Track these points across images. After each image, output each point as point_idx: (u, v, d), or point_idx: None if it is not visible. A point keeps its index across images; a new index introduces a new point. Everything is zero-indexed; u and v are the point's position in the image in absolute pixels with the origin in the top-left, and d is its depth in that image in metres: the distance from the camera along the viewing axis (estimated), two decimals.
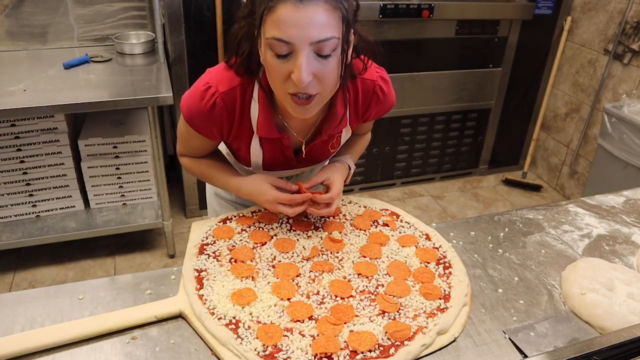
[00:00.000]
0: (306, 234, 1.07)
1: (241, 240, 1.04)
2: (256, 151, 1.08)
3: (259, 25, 0.86)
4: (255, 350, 0.80)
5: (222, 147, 1.20)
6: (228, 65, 1.00)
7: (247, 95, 1.00)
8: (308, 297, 0.91)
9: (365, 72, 1.04)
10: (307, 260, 1.00)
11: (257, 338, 0.82)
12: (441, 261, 1.02)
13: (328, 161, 1.22)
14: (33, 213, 2.27)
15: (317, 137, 1.08)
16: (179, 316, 0.89)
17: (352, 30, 0.90)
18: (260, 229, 1.08)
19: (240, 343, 0.81)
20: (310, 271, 0.97)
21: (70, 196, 2.30)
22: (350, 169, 1.18)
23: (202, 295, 0.90)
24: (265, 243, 1.04)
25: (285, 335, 0.83)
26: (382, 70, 1.10)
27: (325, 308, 0.89)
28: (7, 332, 0.85)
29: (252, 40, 0.93)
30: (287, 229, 1.09)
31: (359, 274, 0.97)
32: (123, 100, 1.88)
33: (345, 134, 1.14)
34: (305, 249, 1.03)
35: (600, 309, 0.92)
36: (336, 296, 0.91)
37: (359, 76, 1.03)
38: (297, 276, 0.96)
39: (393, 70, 2.76)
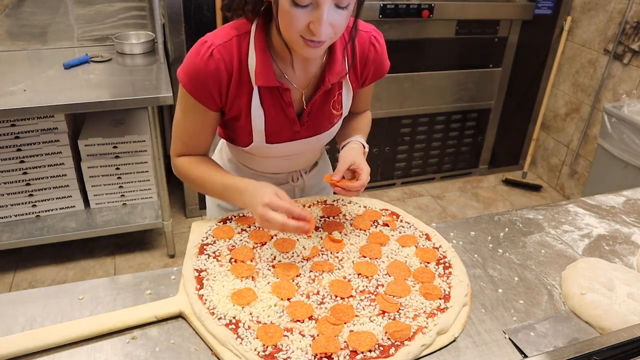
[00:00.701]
0: (306, 234, 1.07)
1: (241, 240, 1.04)
2: (257, 112, 1.03)
3: None
4: (255, 350, 0.80)
5: (216, 156, 1.18)
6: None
7: (243, 46, 0.99)
8: (308, 297, 0.91)
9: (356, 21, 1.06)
10: (307, 260, 1.00)
11: (257, 338, 0.82)
12: (441, 261, 1.02)
13: (340, 145, 1.19)
14: (33, 213, 2.27)
15: (318, 90, 1.06)
16: (179, 316, 0.89)
17: None
18: (260, 229, 1.08)
19: (240, 343, 0.81)
20: (310, 271, 0.97)
21: (70, 196, 2.30)
22: (364, 147, 1.16)
23: (202, 295, 0.90)
24: (265, 243, 1.04)
25: (285, 335, 0.83)
26: (372, 26, 1.13)
27: (325, 308, 0.89)
28: (7, 332, 0.85)
29: None
30: None
31: (359, 274, 0.97)
32: (123, 100, 1.88)
33: (346, 93, 1.12)
34: (305, 249, 1.03)
35: (600, 309, 0.92)
36: (336, 296, 0.91)
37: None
38: (297, 276, 0.96)
39: (393, 70, 2.76)
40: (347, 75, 1.10)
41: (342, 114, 1.15)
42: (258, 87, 1.01)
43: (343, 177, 1.07)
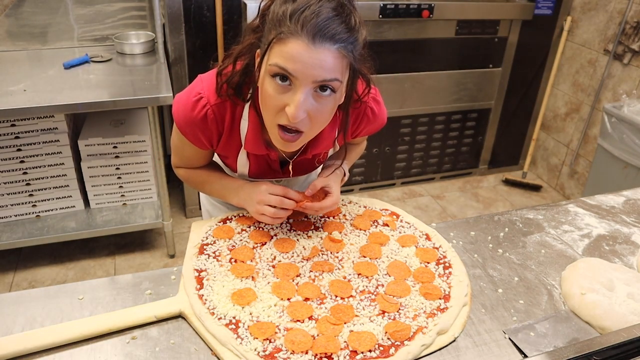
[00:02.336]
0: (306, 234, 1.07)
1: (241, 240, 1.04)
2: (243, 162, 1.09)
3: (265, 49, 0.85)
4: (255, 350, 0.80)
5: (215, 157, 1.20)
6: (219, 90, 0.98)
7: (237, 109, 1.00)
8: (308, 299, 0.91)
9: (360, 99, 1.02)
10: (307, 260, 1.00)
11: (251, 334, 0.82)
12: (441, 261, 1.02)
13: (321, 168, 1.21)
14: (33, 213, 2.27)
15: (303, 155, 1.08)
16: (179, 316, 0.89)
17: (358, 77, 0.91)
18: (260, 229, 1.08)
19: (240, 343, 0.81)
20: (310, 271, 0.97)
21: (70, 196, 2.30)
22: (345, 174, 1.17)
23: (202, 295, 0.90)
24: (265, 243, 1.04)
25: (285, 335, 0.83)
26: (376, 91, 1.09)
27: (325, 308, 0.89)
28: (7, 332, 0.85)
29: (251, 57, 0.93)
30: (287, 229, 1.09)
31: (359, 274, 0.97)
32: (123, 100, 1.88)
33: (333, 149, 1.15)
34: (305, 249, 1.03)
35: (600, 309, 0.92)
36: (336, 296, 0.91)
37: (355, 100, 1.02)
38: (297, 276, 0.96)
39: (393, 70, 2.79)
40: (335, 143, 1.10)
41: (324, 161, 1.18)
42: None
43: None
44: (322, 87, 0.84)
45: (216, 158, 1.24)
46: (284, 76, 0.83)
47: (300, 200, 1.05)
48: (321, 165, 1.20)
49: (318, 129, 0.92)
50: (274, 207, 1.03)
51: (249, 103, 0.99)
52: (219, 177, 1.14)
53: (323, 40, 0.80)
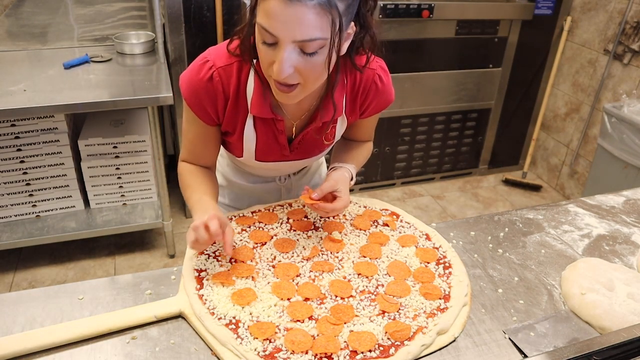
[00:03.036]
0: (306, 234, 1.07)
1: (241, 240, 1.04)
2: (249, 135, 1.06)
3: (253, 7, 0.86)
4: (255, 350, 0.80)
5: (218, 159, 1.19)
6: (229, 46, 0.99)
7: (243, 73, 0.99)
8: (308, 299, 0.91)
9: (365, 65, 1.02)
10: (307, 260, 1.00)
11: (251, 334, 0.82)
12: (441, 261, 1.02)
13: (326, 166, 1.20)
14: (33, 213, 2.27)
15: (310, 124, 1.06)
16: (179, 316, 0.89)
17: (350, 24, 0.89)
18: (260, 229, 1.08)
19: (240, 343, 0.81)
20: (310, 271, 0.97)
21: (70, 196, 2.30)
22: (352, 178, 1.16)
23: (202, 295, 0.90)
24: (265, 243, 1.04)
25: (285, 335, 0.83)
26: (382, 61, 1.09)
27: (325, 308, 0.89)
28: (7, 332, 0.85)
29: (250, 20, 0.92)
30: (287, 229, 1.09)
31: (359, 274, 0.97)
32: (123, 100, 1.88)
33: (341, 125, 1.12)
34: (305, 249, 1.03)
35: (600, 309, 0.92)
36: (336, 296, 0.91)
37: (360, 67, 1.02)
38: (297, 276, 0.96)
39: (393, 70, 2.77)
40: (344, 112, 1.09)
41: (333, 142, 1.16)
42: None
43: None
44: (306, 52, 0.84)
45: (223, 155, 1.22)
46: (268, 37, 0.83)
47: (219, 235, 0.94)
48: (325, 168, 1.19)
49: (313, 82, 0.90)
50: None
51: (255, 64, 0.99)
52: (201, 190, 1.06)
53: None
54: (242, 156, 1.11)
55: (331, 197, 1.07)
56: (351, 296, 0.92)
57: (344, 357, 0.80)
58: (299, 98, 0.94)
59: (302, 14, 0.79)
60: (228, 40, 0.99)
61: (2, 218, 2.23)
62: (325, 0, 0.81)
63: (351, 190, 1.12)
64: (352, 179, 1.14)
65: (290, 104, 1.02)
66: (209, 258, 0.99)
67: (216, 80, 0.97)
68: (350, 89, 1.05)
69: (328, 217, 1.13)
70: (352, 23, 0.89)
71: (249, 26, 0.91)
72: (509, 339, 0.88)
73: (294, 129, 1.08)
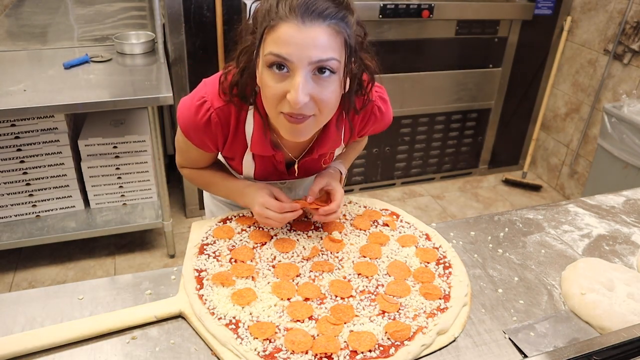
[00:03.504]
0: (306, 234, 1.07)
1: (241, 240, 1.04)
2: (248, 164, 1.09)
3: (259, 42, 0.85)
4: (255, 350, 0.80)
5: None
6: (224, 84, 0.97)
7: (242, 112, 0.99)
8: (308, 299, 0.91)
9: (367, 102, 1.02)
10: (307, 260, 1.00)
11: (251, 334, 0.82)
12: (441, 261, 1.02)
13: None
14: (33, 213, 2.27)
15: (309, 155, 1.08)
16: (179, 316, 0.89)
17: (354, 57, 0.89)
18: (260, 229, 1.08)
19: (240, 343, 0.81)
20: (310, 271, 0.97)
21: (70, 196, 2.30)
22: (342, 174, 1.18)
23: (202, 295, 0.90)
24: (265, 243, 1.04)
25: (285, 335, 0.83)
26: (382, 90, 1.09)
27: (325, 308, 0.89)
28: (7, 332, 0.85)
29: (249, 59, 0.91)
30: (287, 229, 1.09)
31: (359, 274, 0.97)
32: (123, 100, 1.88)
33: (339, 150, 1.15)
34: (305, 249, 1.03)
35: (600, 309, 0.92)
36: (336, 296, 0.91)
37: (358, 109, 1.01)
38: (297, 276, 0.96)
39: (393, 70, 2.78)
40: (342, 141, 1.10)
41: (331, 162, 1.17)
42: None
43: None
44: (321, 69, 0.83)
45: (221, 158, 1.24)
46: (280, 65, 0.82)
47: (296, 209, 1.04)
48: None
49: (327, 112, 0.89)
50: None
51: (252, 106, 0.98)
52: (223, 179, 1.14)
53: (313, 18, 0.80)
54: (242, 175, 1.14)
55: (325, 196, 1.08)
56: (351, 296, 0.92)
57: (344, 357, 0.80)
58: (310, 133, 0.92)
59: (317, 35, 0.80)
60: (222, 75, 0.97)
61: (2, 218, 2.23)
62: (336, 22, 0.82)
63: (351, 190, 1.15)
64: (342, 174, 1.17)
65: (289, 140, 1.00)
66: (209, 258, 0.99)
67: (214, 121, 0.98)
68: (347, 128, 1.06)
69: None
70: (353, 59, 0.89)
71: (248, 65, 0.91)
72: (509, 339, 0.88)
73: (295, 162, 1.10)
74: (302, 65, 0.81)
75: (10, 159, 2.13)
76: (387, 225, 1.12)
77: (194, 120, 0.98)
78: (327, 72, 0.84)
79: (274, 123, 0.94)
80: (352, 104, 0.96)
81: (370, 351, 0.81)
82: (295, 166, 1.11)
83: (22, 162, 2.15)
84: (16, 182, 2.18)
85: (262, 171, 1.11)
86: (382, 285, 0.95)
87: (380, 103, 1.08)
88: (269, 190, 1.05)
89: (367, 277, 0.96)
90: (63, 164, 2.21)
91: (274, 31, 0.81)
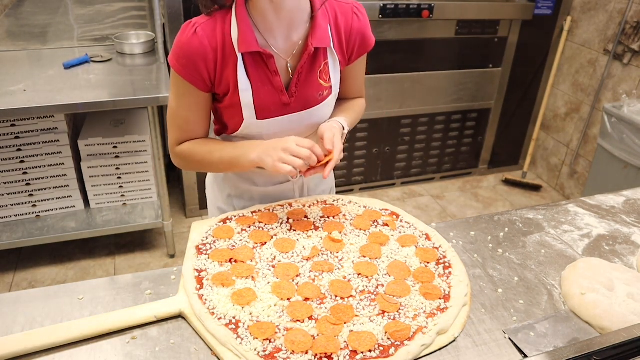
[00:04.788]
0: (306, 234, 1.07)
1: (241, 240, 1.04)
2: (244, 84, 1.04)
3: None
4: (255, 350, 0.80)
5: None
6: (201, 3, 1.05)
7: (227, 20, 1.03)
8: (308, 299, 0.91)
9: None
10: (307, 260, 1.00)
11: (251, 334, 0.82)
12: (441, 261, 1.02)
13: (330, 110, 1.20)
14: (33, 213, 2.27)
15: (303, 57, 1.07)
16: (179, 316, 0.89)
17: None
18: (260, 229, 1.08)
19: (240, 343, 0.81)
20: (310, 271, 0.97)
21: (70, 196, 2.30)
22: (344, 128, 1.15)
23: (202, 295, 0.90)
24: (265, 243, 1.04)
25: (285, 335, 0.83)
26: (361, 7, 1.16)
27: (325, 308, 0.89)
28: (7, 332, 0.85)
29: None
30: (287, 229, 1.09)
31: (359, 274, 0.97)
32: (123, 100, 1.88)
33: (333, 65, 1.13)
34: (305, 249, 1.03)
35: (600, 309, 0.92)
36: (336, 296, 0.91)
37: None
38: (297, 276, 0.96)
39: (393, 70, 2.79)
40: (332, 45, 1.11)
41: (331, 87, 1.15)
42: (242, 55, 1.03)
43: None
44: None
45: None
46: None
47: (323, 158, 1.04)
48: (330, 97, 1.17)
49: None
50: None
51: (235, 8, 1.03)
52: (228, 144, 1.11)
53: None
54: (242, 120, 1.09)
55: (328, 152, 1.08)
56: (351, 296, 0.92)
57: (344, 357, 0.80)
58: None
59: None
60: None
61: (2, 218, 2.23)
62: None
63: (351, 190, 1.15)
64: (344, 129, 1.15)
65: (277, 38, 1.05)
66: (208, 258, 0.99)
67: (200, 34, 1.02)
68: (333, 21, 1.11)
69: (328, 217, 1.13)
70: None
71: None
72: (509, 339, 0.88)
73: (288, 67, 1.09)
74: None
75: (10, 159, 2.13)
76: (387, 225, 1.12)
77: (181, 42, 1.02)
78: None
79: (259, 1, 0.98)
80: None
81: (370, 351, 0.81)
82: (288, 68, 1.08)
83: (22, 162, 2.15)
84: (16, 182, 2.18)
85: (261, 93, 1.07)
86: (382, 285, 0.95)
87: (357, 5, 1.14)
88: (293, 138, 1.03)
89: (367, 277, 0.96)
90: (63, 164, 2.21)
91: None
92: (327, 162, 1.05)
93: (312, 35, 1.07)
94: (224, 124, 1.15)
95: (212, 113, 1.17)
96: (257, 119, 1.09)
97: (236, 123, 1.11)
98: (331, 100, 1.17)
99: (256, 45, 1.02)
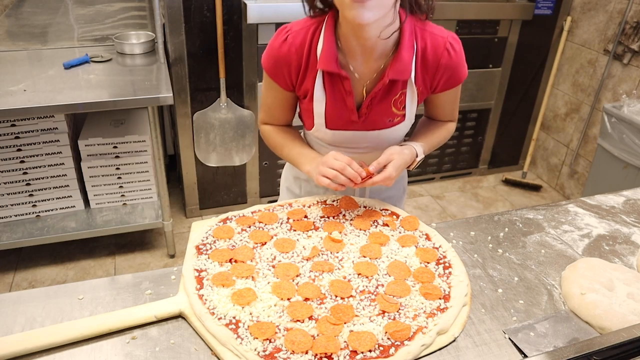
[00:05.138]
0: (306, 234, 1.07)
1: (241, 240, 1.04)
2: (319, 95, 1.12)
3: None
4: (255, 350, 0.80)
5: None
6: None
7: (316, 34, 1.08)
8: (308, 299, 0.91)
9: (435, 29, 1.10)
10: (307, 260, 1.00)
11: (251, 334, 0.82)
12: (441, 261, 1.02)
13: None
14: (33, 213, 2.27)
15: (380, 80, 1.09)
16: (179, 316, 0.89)
17: None
18: (260, 229, 1.08)
19: (240, 343, 0.81)
20: (310, 271, 0.97)
21: (71, 196, 2.30)
22: (417, 156, 1.17)
23: (202, 295, 0.90)
24: (265, 243, 1.04)
25: (285, 335, 0.83)
26: (455, 36, 1.13)
27: (325, 308, 0.89)
28: (7, 332, 0.85)
29: None
30: (287, 229, 1.09)
31: (359, 274, 0.97)
32: (123, 100, 1.88)
33: (411, 96, 1.14)
34: (305, 249, 1.03)
35: (600, 309, 0.92)
36: (336, 296, 0.91)
37: (425, 22, 1.10)
38: (297, 276, 0.96)
39: None
40: (414, 78, 1.11)
41: (404, 115, 1.17)
42: (322, 71, 1.09)
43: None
44: None
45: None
46: None
47: (360, 173, 1.08)
48: (402, 124, 1.20)
49: None
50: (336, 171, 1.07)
51: (325, 23, 1.07)
52: (299, 144, 1.21)
53: None
54: (313, 125, 1.17)
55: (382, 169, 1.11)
56: (351, 296, 0.92)
57: (344, 357, 0.80)
58: (373, 14, 0.96)
59: None
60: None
61: (2, 218, 2.23)
62: None
63: (416, 172, 1.16)
64: (417, 156, 1.17)
65: (358, 62, 1.08)
66: (208, 258, 0.99)
67: (289, 42, 1.08)
68: (421, 54, 1.10)
69: (328, 217, 1.13)
70: None
71: None
72: (509, 339, 0.88)
73: (363, 90, 1.12)
74: None
75: (10, 159, 2.13)
76: (387, 225, 1.12)
77: (272, 45, 1.10)
78: None
79: (340, 8, 0.98)
80: (418, 6, 1.07)
81: (370, 351, 0.81)
82: (364, 91, 1.12)
83: (22, 162, 2.15)
84: (16, 182, 2.18)
85: (333, 106, 1.13)
86: (382, 285, 0.95)
87: (453, 41, 1.11)
88: (333, 154, 1.09)
89: (367, 277, 0.96)
90: (63, 164, 2.21)
91: None
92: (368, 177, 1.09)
93: (391, 67, 1.07)
94: (301, 118, 1.24)
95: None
96: (326, 127, 1.16)
97: (310, 124, 1.19)
98: (403, 126, 1.20)
99: (335, 66, 1.07)
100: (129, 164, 2.31)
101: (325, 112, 1.13)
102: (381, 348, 0.82)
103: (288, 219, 1.12)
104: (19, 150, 2.12)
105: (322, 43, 1.06)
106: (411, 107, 1.16)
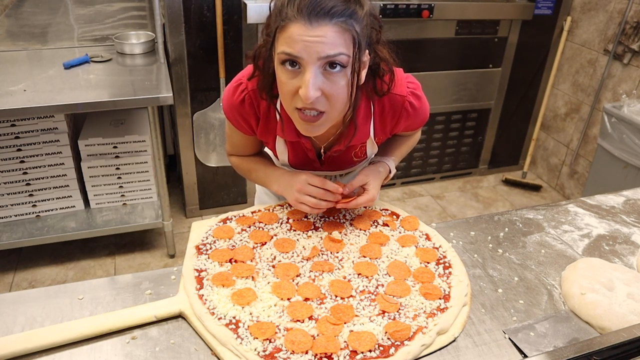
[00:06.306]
0: (306, 234, 1.07)
1: (241, 240, 1.04)
2: (281, 149, 1.13)
3: (272, 41, 0.89)
4: (255, 350, 0.80)
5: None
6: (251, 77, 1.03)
7: (273, 100, 1.04)
8: (308, 299, 0.91)
9: (394, 88, 1.03)
10: (307, 260, 1.00)
11: (251, 334, 0.82)
12: (441, 261, 1.02)
13: (368, 162, 1.22)
14: (33, 213, 2.27)
15: (336, 145, 1.09)
16: (179, 316, 0.89)
17: (365, 52, 0.92)
18: (260, 229, 1.08)
19: (240, 343, 0.81)
20: (310, 271, 0.97)
21: (70, 196, 2.30)
22: (390, 172, 1.19)
23: (202, 295, 0.90)
24: (265, 243, 1.04)
25: (285, 335, 0.83)
26: (416, 85, 1.10)
27: (325, 308, 0.89)
28: (7, 332, 0.85)
29: (268, 55, 0.94)
30: (287, 229, 1.09)
31: (359, 274, 0.97)
32: (123, 100, 1.88)
33: (371, 145, 1.15)
34: (305, 249, 1.03)
35: (600, 309, 0.92)
36: (336, 296, 0.91)
37: (380, 92, 1.03)
38: (297, 276, 0.96)
39: None
40: (373, 135, 1.10)
41: (366, 158, 1.18)
42: None
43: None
44: (331, 64, 0.86)
45: (268, 151, 1.28)
46: (292, 61, 0.86)
47: (337, 192, 1.07)
48: (365, 161, 1.21)
49: (338, 107, 0.92)
50: (314, 197, 1.06)
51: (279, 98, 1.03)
52: (264, 165, 1.19)
53: (319, 17, 0.83)
54: (279, 160, 1.18)
55: (362, 191, 1.11)
56: (351, 296, 0.92)
57: (344, 357, 0.80)
58: (323, 128, 0.96)
59: (324, 33, 0.83)
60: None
61: (2, 218, 2.23)
62: (344, 19, 0.84)
63: (391, 184, 1.17)
64: (390, 172, 1.19)
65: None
66: (208, 258, 0.99)
67: (247, 102, 1.04)
68: (378, 115, 1.08)
69: (328, 217, 1.13)
70: (367, 51, 0.93)
71: (266, 62, 0.94)
72: (509, 339, 0.88)
73: (322, 149, 1.12)
74: (312, 62, 0.85)
75: (10, 159, 2.13)
76: (387, 225, 1.12)
77: (231, 101, 1.06)
78: (338, 67, 0.87)
79: (291, 117, 0.97)
80: (374, 89, 1.00)
81: (370, 351, 0.81)
82: (322, 156, 1.13)
83: (22, 162, 2.15)
84: (16, 182, 2.18)
85: (295, 157, 1.14)
86: (382, 285, 0.95)
87: (413, 99, 1.08)
88: (304, 177, 1.07)
89: (367, 277, 0.96)
90: (63, 164, 2.21)
91: (285, 31, 0.85)
92: (352, 199, 1.08)
93: (348, 134, 1.05)
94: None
95: None
96: (291, 167, 1.17)
97: (276, 158, 1.21)
98: (366, 162, 1.21)
99: (294, 136, 1.06)
100: (129, 164, 2.31)
101: (289, 159, 1.15)
102: (381, 348, 0.82)
103: (288, 219, 1.12)
104: (19, 150, 2.12)
105: (279, 110, 1.03)
106: (371, 151, 1.17)
